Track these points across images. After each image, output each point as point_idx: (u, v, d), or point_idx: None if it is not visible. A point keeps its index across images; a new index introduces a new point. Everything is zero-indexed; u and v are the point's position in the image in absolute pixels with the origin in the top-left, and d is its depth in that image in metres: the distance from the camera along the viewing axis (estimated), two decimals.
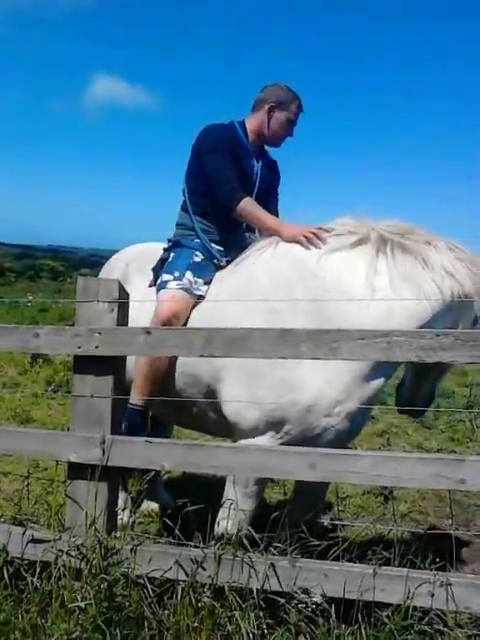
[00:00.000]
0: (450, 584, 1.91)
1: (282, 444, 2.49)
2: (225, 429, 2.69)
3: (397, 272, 2.49)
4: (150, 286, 2.95)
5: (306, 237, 2.67)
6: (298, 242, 2.69)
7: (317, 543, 2.13)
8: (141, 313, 2.70)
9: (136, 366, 2.73)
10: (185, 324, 2.71)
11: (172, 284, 2.77)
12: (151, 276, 2.99)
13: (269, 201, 3.07)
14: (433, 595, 1.91)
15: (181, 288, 2.75)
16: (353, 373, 2.49)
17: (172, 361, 2.71)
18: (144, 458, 2.19)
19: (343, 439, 2.65)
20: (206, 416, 2.76)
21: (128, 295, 2.34)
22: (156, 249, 3.13)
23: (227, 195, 2.84)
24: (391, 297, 2.46)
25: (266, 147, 3.14)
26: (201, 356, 2.16)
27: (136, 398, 2.74)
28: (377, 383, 2.55)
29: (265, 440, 2.54)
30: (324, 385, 2.47)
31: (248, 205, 2.83)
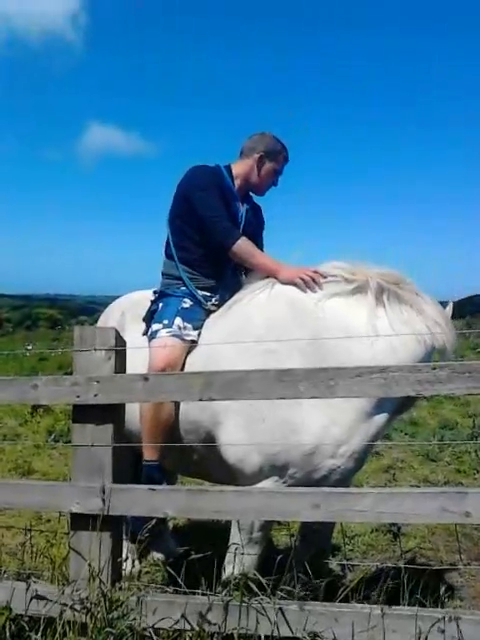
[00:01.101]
0: (459, 619, 1.88)
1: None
2: (228, 475, 2.65)
3: (396, 318, 2.59)
4: (144, 334, 2.97)
5: (303, 279, 2.70)
6: (295, 284, 2.72)
7: (325, 585, 2.11)
8: (138, 361, 2.70)
9: (142, 423, 2.72)
10: (182, 370, 2.71)
11: (162, 332, 2.79)
12: (144, 325, 3.01)
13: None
14: (443, 632, 1.88)
15: (172, 335, 2.76)
16: (356, 411, 2.49)
17: (175, 411, 2.70)
18: (147, 506, 2.17)
19: (348, 478, 2.64)
20: (208, 462, 2.74)
21: (125, 343, 2.35)
22: (150, 297, 3.13)
23: (223, 233, 2.85)
24: (394, 338, 2.53)
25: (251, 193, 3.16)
26: (200, 400, 2.16)
27: (150, 454, 2.72)
28: (380, 419, 2.56)
29: (269, 485, 2.52)
30: (328, 425, 2.47)
31: (245, 244, 2.85)
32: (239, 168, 3.05)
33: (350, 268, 2.73)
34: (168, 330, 2.78)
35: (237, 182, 3.04)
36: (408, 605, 2.07)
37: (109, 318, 3.32)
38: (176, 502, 2.16)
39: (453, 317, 2.84)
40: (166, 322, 2.82)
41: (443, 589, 2.28)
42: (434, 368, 2.00)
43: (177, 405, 2.70)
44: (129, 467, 2.43)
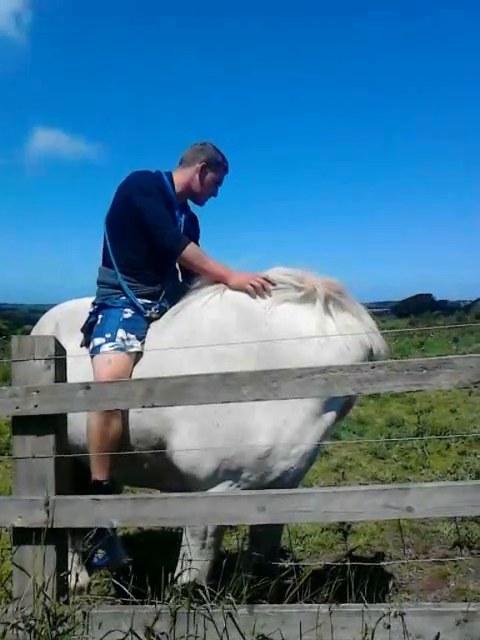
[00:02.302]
0: (404, 613, 1.91)
1: None
2: (180, 483, 2.62)
3: (342, 324, 2.67)
4: (82, 346, 2.90)
5: (253, 285, 2.73)
6: (246, 290, 2.74)
7: (275, 586, 2.11)
8: (79, 372, 2.62)
9: (89, 439, 2.65)
10: None
11: (105, 347, 2.72)
12: (82, 336, 2.94)
13: None
14: (389, 627, 1.91)
15: (115, 348, 2.70)
16: (306, 411, 2.52)
17: (124, 423, 2.64)
18: (91, 517, 2.13)
19: (299, 478, 2.68)
20: (159, 471, 2.70)
21: (65, 351, 2.30)
22: (87, 306, 3.04)
23: (172, 238, 2.83)
24: (341, 341, 2.62)
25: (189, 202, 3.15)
26: (143, 406, 2.14)
27: (100, 473, 2.64)
28: (328, 418, 2.60)
29: (222, 489, 2.52)
30: (281, 426, 2.49)
31: (195, 249, 2.85)
32: (180, 176, 3.03)
33: (298, 275, 2.78)
34: (111, 344, 2.72)
35: (177, 190, 3.01)
36: (356, 602, 2.10)
37: (43, 330, 3.18)
38: (121, 511, 2.13)
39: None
40: (108, 335, 2.75)
41: (390, 584, 2.34)
42: (373, 367, 2.03)
43: (125, 416, 2.65)
44: (71, 478, 2.37)
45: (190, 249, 2.83)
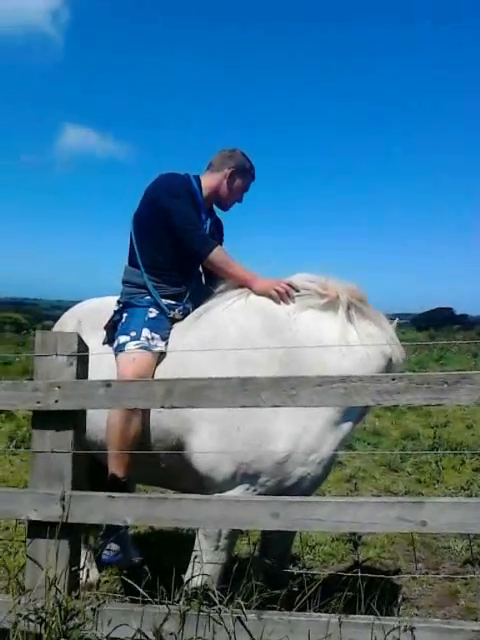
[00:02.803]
0: (414, 628, 1.90)
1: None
2: (196, 484, 2.63)
3: (364, 332, 2.69)
4: (104, 343, 2.92)
5: (277, 291, 2.75)
6: (270, 296, 2.76)
7: (284, 594, 2.12)
8: (101, 370, 2.66)
9: (108, 438, 2.67)
10: None
11: (130, 345, 2.74)
12: (104, 334, 2.96)
13: None
14: None
15: (140, 347, 2.72)
16: (325, 419, 2.54)
17: (144, 422, 2.66)
18: (105, 514, 2.15)
19: (316, 485, 2.69)
20: (175, 471, 2.72)
21: (87, 348, 2.33)
22: (110, 304, 3.08)
23: (200, 241, 2.86)
24: (363, 350, 2.63)
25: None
26: (162, 407, 2.15)
27: (118, 471, 2.66)
28: (347, 427, 2.62)
29: (239, 493, 2.53)
30: (301, 433, 2.50)
31: (222, 253, 2.87)
32: (208, 180, 3.06)
33: (321, 282, 2.80)
34: (136, 342, 2.74)
35: (205, 194, 3.04)
36: (366, 614, 2.09)
37: (65, 327, 3.20)
38: (135, 510, 2.15)
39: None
40: (134, 334, 2.77)
41: (400, 598, 2.33)
42: (394, 379, 2.03)
43: (146, 415, 2.67)
44: (87, 474, 2.39)
45: (217, 253, 2.85)
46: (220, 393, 2.10)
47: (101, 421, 2.68)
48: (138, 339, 2.75)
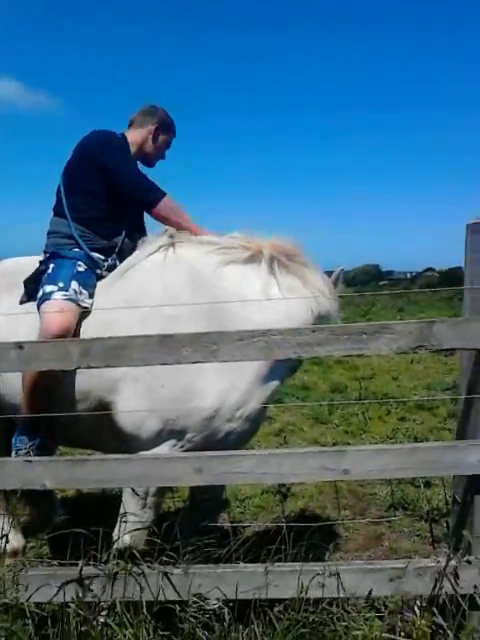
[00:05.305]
0: (337, 572, 1.96)
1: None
2: (121, 442, 2.58)
3: (286, 286, 2.67)
4: (22, 302, 2.79)
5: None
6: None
7: (213, 548, 2.13)
8: (18, 330, 2.55)
9: (25, 400, 2.58)
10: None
11: (58, 295, 2.62)
12: (22, 290, 2.80)
13: None
14: (323, 586, 1.94)
15: (68, 299, 2.61)
16: (255, 375, 2.52)
17: (63, 384, 2.56)
18: (23, 478, 2.08)
19: (244, 441, 2.69)
20: (99, 431, 2.65)
21: None
22: (27, 264, 2.94)
23: (148, 191, 2.83)
24: (285, 304, 2.60)
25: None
26: (79, 367, 2.08)
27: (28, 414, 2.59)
28: (274, 384, 2.62)
29: (166, 450, 2.50)
30: (229, 389, 2.49)
31: (171, 202, 2.84)
32: (133, 136, 3.01)
33: (245, 238, 2.80)
34: (64, 293, 2.62)
35: (132, 149, 2.99)
36: (293, 562, 2.13)
37: None
38: (55, 473, 2.09)
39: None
40: (62, 285, 2.65)
41: (328, 545, 2.40)
42: (314, 331, 2.03)
43: (66, 376, 2.57)
44: (5, 437, 2.31)
45: (167, 201, 2.83)
46: (139, 351, 2.05)
47: (17, 384, 2.58)
48: (66, 290, 2.63)
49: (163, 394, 2.47)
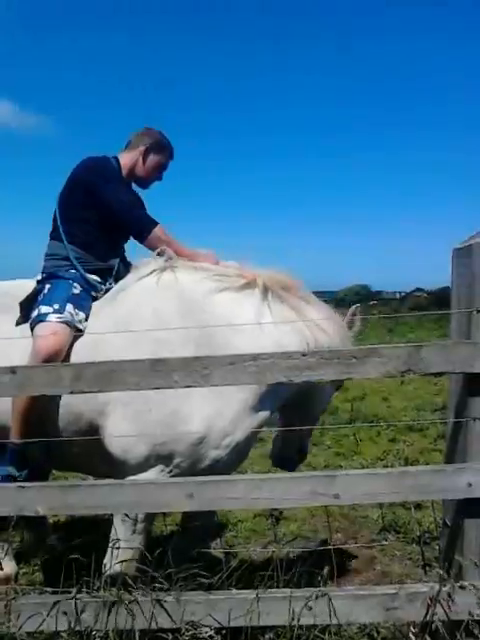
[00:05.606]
0: (329, 597, 1.95)
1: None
2: (110, 466, 2.58)
3: (280, 316, 2.67)
4: (17, 325, 2.80)
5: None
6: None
7: (205, 574, 2.11)
8: (11, 353, 2.54)
9: (14, 424, 2.57)
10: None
11: (52, 317, 2.63)
12: (17, 313, 2.81)
13: None
14: (314, 613, 1.94)
15: (63, 322, 2.61)
16: (242, 404, 2.53)
17: (52, 408, 2.56)
18: (15, 505, 2.07)
19: (231, 468, 2.68)
20: (89, 455, 2.65)
21: None
22: (22, 287, 2.95)
23: (141, 221, 2.86)
24: (277, 333, 2.61)
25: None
26: (71, 392, 2.09)
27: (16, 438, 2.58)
28: (263, 415, 2.62)
29: (153, 475, 2.49)
30: (215, 416, 2.48)
31: (162, 233, 2.86)
32: (125, 159, 3.06)
33: (240, 267, 2.83)
34: (59, 316, 2.63)
35: (123, 173, 3.04)
36: (285, 588, 2.12)
37: None
38: (48, 499, 2.08)
39: (337, 305, 2.99)
40: (57, 306, 2.66)
41: (319, 569, 2.38)
42: (304, 355, 2.04)
43: (55, 399, 2.57)
44: None
45: (158, 231, 2.85)
46: (131, 376, 2.06)
47: (7, 407, 2.57)
48: (61, 312, 2.64)
49: (150, 418, 2.47)
